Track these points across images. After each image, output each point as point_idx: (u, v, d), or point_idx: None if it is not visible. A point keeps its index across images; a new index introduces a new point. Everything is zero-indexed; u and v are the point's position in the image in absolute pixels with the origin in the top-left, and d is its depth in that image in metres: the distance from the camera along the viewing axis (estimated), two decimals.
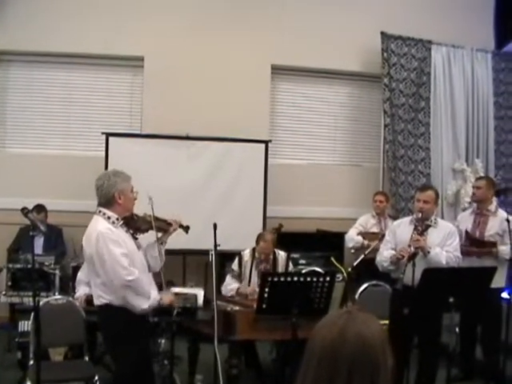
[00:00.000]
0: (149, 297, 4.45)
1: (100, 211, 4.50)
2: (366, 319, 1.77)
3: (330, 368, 1.68)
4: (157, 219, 4.85)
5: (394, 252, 5.77)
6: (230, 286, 6.46)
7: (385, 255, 5.87)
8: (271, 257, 6.50)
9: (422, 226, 5.80)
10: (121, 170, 4.61)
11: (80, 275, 5.97)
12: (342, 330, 1.71)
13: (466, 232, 6.50)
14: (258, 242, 6.50)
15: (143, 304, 4.41)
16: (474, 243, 6.46)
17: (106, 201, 4.48)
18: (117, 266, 4.28)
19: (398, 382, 5.53)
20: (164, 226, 4.95)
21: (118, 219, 4.48)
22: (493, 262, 6.20)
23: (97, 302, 4.50)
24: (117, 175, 4.53)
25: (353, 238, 8.02)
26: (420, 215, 5.78)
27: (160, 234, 4.90)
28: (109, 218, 4.45)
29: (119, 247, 4.34)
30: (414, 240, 5.65)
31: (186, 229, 5.14)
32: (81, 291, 5.82)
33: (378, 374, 1.69)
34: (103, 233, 4.32)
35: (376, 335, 1.72)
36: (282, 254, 6.60)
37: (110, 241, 4.31)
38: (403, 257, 5.56)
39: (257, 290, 5.75)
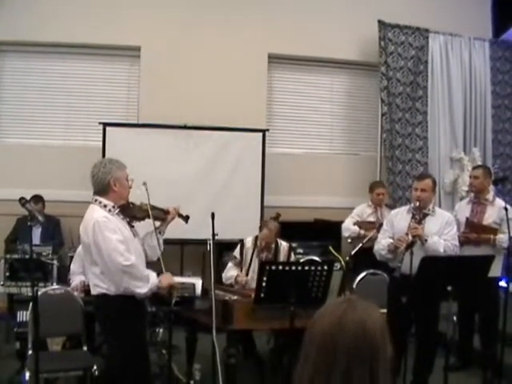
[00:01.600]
0: (147, 280, 4.44)
1: (96, 200, 4.48)
2: (365, 307, 1.77)
3: (329, 355, 1.68)
4: (154, 208, 4.83)
5: (391, 241, 5.77)
6: (229, 273, 6.46)
7: (383, 244, 5.87)
8: (273, 246, 6.49)
9: (420, 215, 5.80)
10: (116, 159, 4.60)
11: (73, 267, 5.99)
12: (342, 318, 1.71)
13: (467, 218, 6.49)
14: (261, 228, 6.51)
15: (143, 288, 4.39)
16: (474, 229, 6.45)
17: (101, 188, 4.47)
18: (113, 252, 4.27)
19: (395, 370, 5.55)
20: (161, 215, 4.93)
21: (114, 207, 4.47)
22: (490, 251, 6.20)
23: (93, 291, 4.49)
24: (112, 163, 4.52)
25: (349, 227, 8.02)
26: (417, 204, 5.78)
27: (158, 223, 4.89)
28: (105, 206, 4.44)
29: (115, 234, 4.33)
30: (411, 228, 5.65)
31: (186, 218, 5.13)
32: (76, 280, 5.83)
33: (377, 362, 1.69)
34: (99, 221, 4.31)
35: (376, 323, 1.72)
36: (284, 245, 6.59)
37: (106, 228, 4.30)
38: (401, 245, 5.57)
39: (254, 277, 5.77)
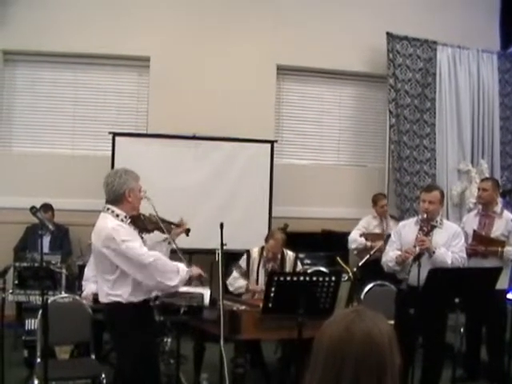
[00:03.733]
0: (178, 271, 4.44)
1: (108, 208, 4.48)
2: (374, 318, 1.78)
3: (336, 365, 1.69)
4: (162, 221, 4.87)
5: (399, 252, 5.77)
6: (238, 282, 6.45)
7: (390, 255, 5.88)
8: (279, 256, 6.51)
9: (428, 227, 5.80)
10: (131, 169, 4.62)
11: (87, 272, 5.95)
12: (350, 328, 1.73)
13: (474, 231, 6.48)
14: (267, 239, 6.52)
15: (172, 281, 4.39)
16: (481, 242, 6.45)
17: (115, 198, 4.47)
18: (136, 252, 4.29)
19: (403, 381, 5.55)
20: (168, 228, 4.96)
21: (126, 217, 4.48)
22: (497, 263, 6.20)
23: (104, 299, 4.47)
24: (127, 173, 4.53)
25: (355, 239, 8.06)
26: (425, 216, 5.79)
27: (162, 237, 4.92)
28: (117, 215, 4.44)
29: (131, 237, 4.37)
30: (419, 240, 5.65)
31: (187, 231, 5.17)
32: (88, 289, 5.80)
33: (385, 373, 1.70)
34: (115, 228, 4.32)
35: (384, 334, 1.74)
36: (290, 255, 6.61)
37: (123, 234, 4.32)
38: (408, 257, 5.57)
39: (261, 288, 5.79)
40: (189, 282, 4.70)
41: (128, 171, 4.58)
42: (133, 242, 4.34)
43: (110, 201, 4.51)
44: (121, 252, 4.30)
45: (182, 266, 4.51)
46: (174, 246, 4.87)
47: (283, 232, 6.82)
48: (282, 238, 6.51)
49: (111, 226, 4.35)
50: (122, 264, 4.33)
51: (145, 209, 4.76)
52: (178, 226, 5.00)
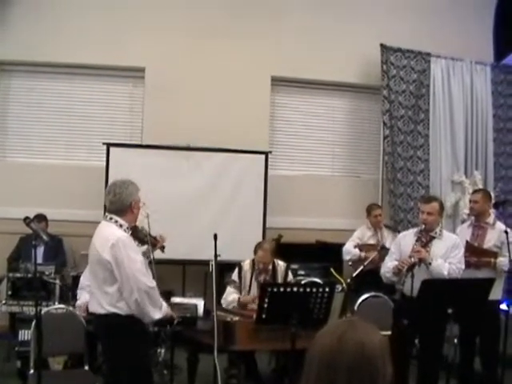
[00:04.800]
0: (161, 307, 4.47)
1: (111, 218, 4.48)
2: (366, 328, 1.79)
3: (329, 374, 1.70)
4: (149, 235, 4.93)
5: (396, 263, 5.79)
6: (230, 297, 6.44)
7: (388, 266, 5.90)
8: (270, 267, 6.50)
9: (427, 238, 5.82)
10: (132, 181, 4.63)
11: (83, 280, 5.93)
12: (342, 338, 1.74)
13: (467, 242, 6.49)
14: (256, 251, 6.51)
15: (156, 314, 4.41)
16: (474, 253, 6.46)
17: (121, 208, 4.47)
18: (138, 273, 4.29)
19: None
20: (153, 242, 5.03)
21: (128, 228, 4.49)
22: (491, 274, 6.22)
23: (100, 310, 4.42)
24: (133, 185, 4.55)
25: (350, 250, 8.06)
26: (423, 227, 5.80)
27: (149, 248, 4.97)
28: (121, 225, 4.44)
29: (138, 255, 4.39)
30: (415, 251, 5.68)
31: (162, 248, 5.23)
32: (82, 299, 5.79)
33: (377, 383, 1.71)
34: (123, 240, 4.32)
35: (376, 344, 1.75)
36: (281, 265, 6.60)
37: (130, 248, 4.33)
38: (403, 267, 5.59)
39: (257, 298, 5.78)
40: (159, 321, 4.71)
41: (133, 183, 4.60)
42: (137, 256, 4.38)
43: (114, 211, 4.50)
44: (121, 262, 4.30)
45: (164, 304, 4.57)
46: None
47: (272, 242, 6.82)
48: (271, 247, 6.52)
49: (119, 235, 4.35)
50: (118, 273, 4.32)
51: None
52: (156, 241, 5.05)
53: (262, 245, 6.54)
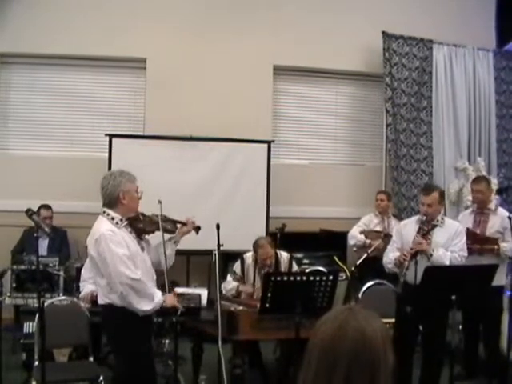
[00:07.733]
0: (152, 299, 4.45)
1: (104, 212, 4.50)
2: (366, 316, 1.79)
3: (329, 361, 1.71)
4: (167, 219, 4.87)
5: (398, 254, 5.76)
6: (230, 285, 6.43)
7: (390, 257, 5.88)
8: (273, 260, 6.42)
9: (428, 227, 5.79)
10: (127, 171, 4.59)
11: (84, 273, 5.95)
12: (343, 326, 1.74)
13: (467, 229, 6.46)
14: (255, 250, 6.43)
15: (146, 306, 4.39)
16: (476, 240, 6.45)
17: (110, 201, 4.48)
18: (120, 266, 4.28)
19: (404, 380, 5.56)
20: (172, 228, 4.97)
21: (121, 220, 4.48)
22: (494, 260, 6.22)
23: (100, 301, 4.51)
24: (122, 175, 4.52)
25: (355, 236, 8.05)
26: (424, 218, 5.78)
27: (168, 236, 4.92)
28: (112, 218, 4.45)
29: (121, 248, 4.34)
30: (416, 243, 5.66)
31: (197, 229, 5.17)
32: (86, 289, 5.79)
33: (377, 370, 1.71)
34: (105, 234, 4.32)
35: (377, 331, 1.74)
36: (284, 256, 6.54)
37: (112, 242, 4.31)
38: (405, 259, 5.57)
39: (256, 288, 5.81)
40: (160, 310, 4.68)
41: (123, 173, 4.56)
42: (120, 249, 4.34)
43: (106, 204, 4.52)
44: (103, 256, 4.32)
45: (157, 296, 4.52)
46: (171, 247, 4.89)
47: (267, 236, 6.76)
48: (268, 241, 6.46)
49: (102, 231, 4.36)
50: (102, 268, 4.36)
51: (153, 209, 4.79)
52: (184, 224, 5.00)
53: (259, 242, 6.42)
